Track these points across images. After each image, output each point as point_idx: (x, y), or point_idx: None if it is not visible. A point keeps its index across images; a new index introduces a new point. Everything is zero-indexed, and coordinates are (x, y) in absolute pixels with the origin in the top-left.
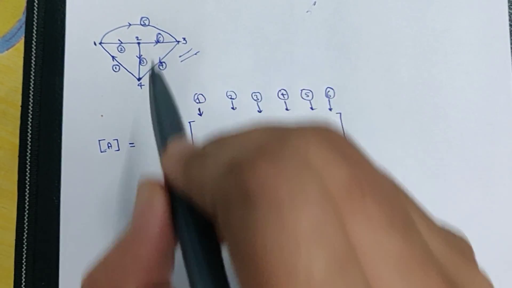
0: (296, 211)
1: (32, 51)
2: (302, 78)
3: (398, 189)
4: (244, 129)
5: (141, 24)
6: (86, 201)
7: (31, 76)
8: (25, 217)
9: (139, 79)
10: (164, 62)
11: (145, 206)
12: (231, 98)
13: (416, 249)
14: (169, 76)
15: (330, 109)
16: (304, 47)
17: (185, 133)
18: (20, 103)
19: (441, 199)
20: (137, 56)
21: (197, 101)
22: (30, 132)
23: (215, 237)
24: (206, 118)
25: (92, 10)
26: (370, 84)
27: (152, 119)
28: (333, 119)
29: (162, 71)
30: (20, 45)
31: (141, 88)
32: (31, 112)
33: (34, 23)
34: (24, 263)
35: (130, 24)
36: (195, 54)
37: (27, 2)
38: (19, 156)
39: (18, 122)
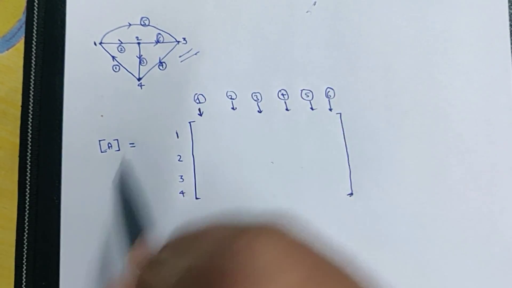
0: None
1: (32, 51)
2: (302, 78)
3: (351, 282)
4: (198, 231)
5: (141, 24)
6: (86, 201)
7: (31, 76)
8: (26, 217)
9: (139, 79)
10: (164, 62)
11: None
12: (231, 98)
13: None
14: (169, 76)
15: (330, 109)
16: (304, 47)
17: (147, 234)
18: (20, 103)
19: (441, 199)
20: (137, 56)
21: (197, 101)
22: (31, 132)
23: None
24: (206, 118)
25: (92, 10)
26: (370, 84)
27: (117, 221)
28: (333, 119)
29: (163, 71)
30: (20, 45)
31: (141, 88)
32: (31, 112)
33: (34, 23)
34: (25, 263)
35: (130, 24)
36: (195, 54)
37: (27, 2)
38: (20, 156)
39: (19, 122)
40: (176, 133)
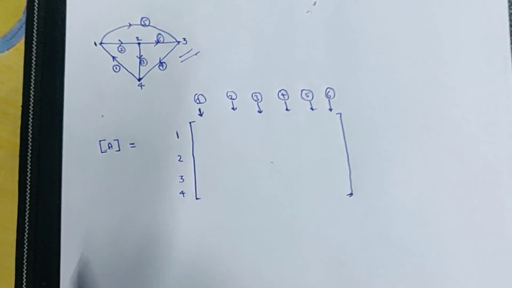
0: None
1: (32, 51)
2: (302, 78)
3: None
4: None
5: (141, 25)
6: (86, 201)
7: (32, 76)
8: (26, 217)
9: (139, 79)
10: (164, 62)
11: None
12: (231, 99)
13: None
14: (169, 77)
15: (330, 109)
16: (304, 47)
17: None
18: (20, 103)
19: (441, 199)
20: (137, 56)
21: (198, 101)
22: (31, 132)
23: None
24: (207, 118)
25: (93, 10)
26: (370, 84)
27: None
28: (333, 119)
29: (163, 71)
30: (21, 45)
31: (141, 88)
32: (31, 112)
33: (35, 23)
34: (25, 263)
35: (130, 25)
36: (196, 54)
37: (28, 2)
38: (20, 156)
39: (19, 122)
40: (176, 133)
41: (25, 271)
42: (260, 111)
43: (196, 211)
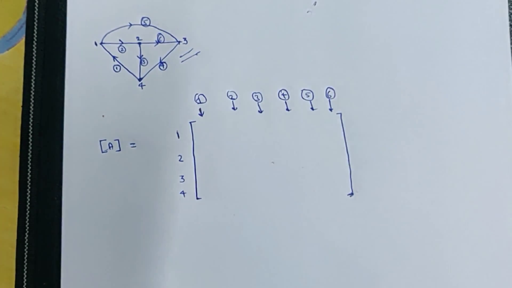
0: None
1: (33, 51)
2: (303, 78)
3: None
4: None
5: (142, 24)
6: (87, 201)
7: (32, 76)
8: (27, 217)
9: (140, 79)
10: (165, 62)
11: None
12: (231, 98)
13: None
14: (170, 76)
15: (331, 109)
16: (304, 47)
17: None
18: (21, 103)
19: (440, 198)
20: (138, 56)
21: (198, 101)
22: (31, 132)
23: None
24: (207, 119)
25: (93, 10)
26: (370, 84)
27: None
28: (333, 119)
29: (163, 71)
30: (21, 45)
31: (142, 88)
32: (32, 112)
33: (35, 23)
34: (26, 263)
35: (131, 24)
36: (196, 54)
37: (28, 2)
38: (20, 156)
39: (19, 122)
40: (177, 133)
41: (25, 271)
42: (260, 111)
43: (196, 211)
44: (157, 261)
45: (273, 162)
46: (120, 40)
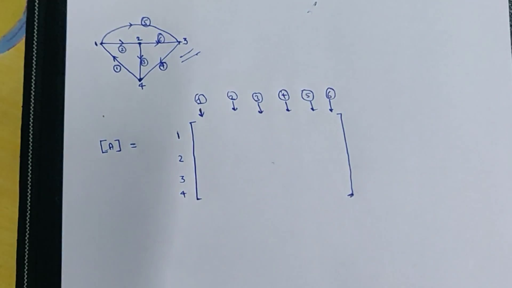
0: None
1: (33, 51)
2: (303, 78)
3: None
4: None
5: (142, 24)
6: (87, 201)
7: (32, 76)
8: (27, 217)
9: (140, 79)
10: (165, 62)
11: None
12: (232, 99)
13: None
14: (170, 77)
15: (331, 110)
16: (304, 47)
17: None
18: (21, 103)
19: (441, 199)
20: (138, 57)
21: (198, 101)
22: (32, 132)
23: None
24: (207, 119)
25: (93, 10)
26: (371, 84)
27: None
28: (333, 119)
29: (164, 71)
30: (21, 45)
31: (142, 88)
32: (32, 112)
33: (35, 23)
34: (26, 264)
35: (131, 24)
36: (196, 54)
37: (28, 2)
38: (21, 156)
39: (20, 122)
40: (177, 133)
41: (26, 272)
42: (260, 111)
43: (197, 212)
44: (157, 262)
45: (273, 163)
46: (120, 40)
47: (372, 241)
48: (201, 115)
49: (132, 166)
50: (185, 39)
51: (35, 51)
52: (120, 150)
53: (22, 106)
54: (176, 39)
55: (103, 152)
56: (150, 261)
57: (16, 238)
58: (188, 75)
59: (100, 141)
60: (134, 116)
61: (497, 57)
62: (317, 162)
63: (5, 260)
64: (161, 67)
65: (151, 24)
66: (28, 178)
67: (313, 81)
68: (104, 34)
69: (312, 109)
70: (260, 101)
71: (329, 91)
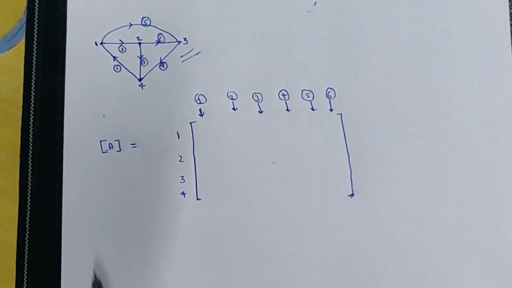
0: None
1: (33, 51)
2: (303, 78)
3: None
4: None
5: (142, 24)
6: (87, 201)
7: (32, 76)
8: (27, 218)
9: (140, 79)
10: (165, 62)
11: None
12: (232, 99)
13: None
14: (170, 77)
15: (331, 110)
16: (305, 47)
17: None
18: (21, 103)
19: (441, 199)
20: (138, 56)
21: (198, 101)
22: (32, 132)
23: None
24: (207, 119)
25: (93, 10)
26: (371, 84)
27: None
28: (334, 119)
29: (164, 71)
30: (21, 45)
31: (142, 88)
32: (32, 112)
33: (35, 23)
34: (26, 264)
35: (131, 24)
36: (196, 54)
37: (28, 2)
38: (21, 157)
39: (20, 122)
40: (177, 133)
41: (26, 272)
42: (260, 112)
43: (197, 212)
44: (158, 262)
45: (273, 163)
46: (120, 40)
47: (372, 241)
48: (201, 115)
49: (132, 166)
50: (185, 39)
51: (35, 51)
52: (120, 150)
53: (22, 106)
54: (176, 39)
55: (103, 152)
56: (150, 261)
57: (16, 238)
58: (188, 75)
59: (100, 141)
60: (134, 116)
61: (497, 56)
62: (317, 162)
63: (5, 260)
64: (161, 67)
65: (151, 24)
66: (28, 178)
67: (313, 81)
68: (104, 34)
69: (312, 109)
70: (260, 101)
71: (329, 91)
